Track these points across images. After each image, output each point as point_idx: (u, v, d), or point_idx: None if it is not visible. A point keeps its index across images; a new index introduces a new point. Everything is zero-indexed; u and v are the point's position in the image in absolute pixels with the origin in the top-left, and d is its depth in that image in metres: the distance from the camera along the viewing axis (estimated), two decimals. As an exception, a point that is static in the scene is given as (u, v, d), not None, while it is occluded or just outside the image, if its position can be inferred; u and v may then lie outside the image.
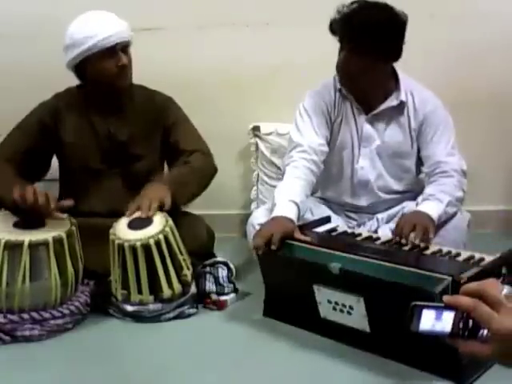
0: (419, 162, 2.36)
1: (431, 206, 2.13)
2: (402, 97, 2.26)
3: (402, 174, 2.37)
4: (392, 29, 2.10)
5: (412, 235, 2.01)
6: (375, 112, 2.28)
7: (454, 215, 2.21)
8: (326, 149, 2.31)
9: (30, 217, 2.13)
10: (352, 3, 2.13)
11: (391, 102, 2.27)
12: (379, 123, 2.30)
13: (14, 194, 2.09)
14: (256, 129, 3.03)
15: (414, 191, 2.38)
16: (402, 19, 2.11)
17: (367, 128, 2.30)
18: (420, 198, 2.23)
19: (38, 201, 2.07)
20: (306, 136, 2.29)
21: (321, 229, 2.22)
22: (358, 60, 2.11)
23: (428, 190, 2.22)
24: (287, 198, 2.14)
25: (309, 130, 2.30)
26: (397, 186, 2.37)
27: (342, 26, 2.11)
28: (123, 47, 2.31)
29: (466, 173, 2.27)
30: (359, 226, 2.36)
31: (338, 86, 2.30)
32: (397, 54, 2.16)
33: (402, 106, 2.27)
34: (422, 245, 2.00)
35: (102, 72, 2.30)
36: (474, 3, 2.92)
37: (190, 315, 2.20)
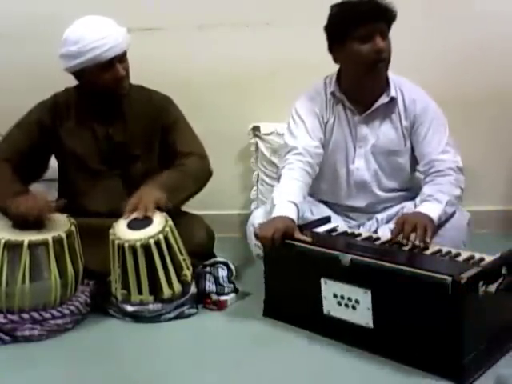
0: (413, 160, 2.35)
1: (431, 207, 2.12)
2: (392, 93, 2.26)
3: (396, 172, 2.36)
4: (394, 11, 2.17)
5: (413, 235, 2.01)
6: (370, 111, 2.28)
7: (453, 214, 2.20)
8: (320, 151, 2.31)
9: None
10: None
11: (383, 99, 2.27)
12: (373, 122, 2.30)
13: (12, 210, 2.13)
14: (256, 129, 3.04)
15: (412, 190, 2.37)
16: None
17: (362, 128, 2.30)
18: (418, 199, 2.22)
19: (31, 215, 2.11)
20: (300, 139, 2.29)
21: (321, 229, 2.23)
22: (387, 40, 2.16)
23: (425, 190, 2.21)
24: (286, 198, 2.15)
25: (302, 133, 2.30)
26: (392, 185, 2.37)
27: (356, 12, 2.12)
28: (120, 58, 2.29)
29: (462, 169, 2.25)
30: (358, 226, 2.35)
31: (330, 89, 2.29)
32: None
33: (393, 102, 2.27)
34: (422, 245, 2.00)
35: (99, 82, 2.29)
36: (475, 3, 2.91)
37: (190, 315, 2.20)
